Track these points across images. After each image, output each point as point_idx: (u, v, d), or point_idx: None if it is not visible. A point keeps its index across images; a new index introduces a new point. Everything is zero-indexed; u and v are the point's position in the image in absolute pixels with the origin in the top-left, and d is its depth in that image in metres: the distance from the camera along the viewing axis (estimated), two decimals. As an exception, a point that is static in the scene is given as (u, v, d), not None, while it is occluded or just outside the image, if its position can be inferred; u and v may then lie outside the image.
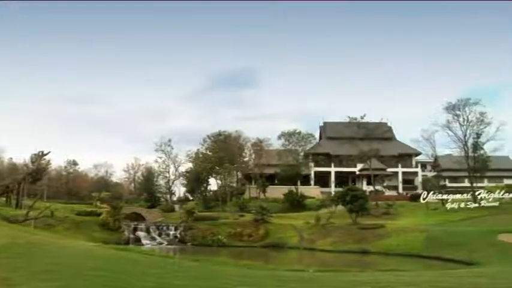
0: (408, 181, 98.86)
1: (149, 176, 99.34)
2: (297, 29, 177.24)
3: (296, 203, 76.73)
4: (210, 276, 15.47)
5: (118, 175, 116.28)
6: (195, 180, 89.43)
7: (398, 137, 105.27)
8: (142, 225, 59.52)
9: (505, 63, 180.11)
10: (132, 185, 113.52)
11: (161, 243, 55.15)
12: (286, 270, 23.02)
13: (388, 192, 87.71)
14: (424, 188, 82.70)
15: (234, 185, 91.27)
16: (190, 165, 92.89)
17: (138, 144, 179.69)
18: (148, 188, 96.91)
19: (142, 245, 52.26)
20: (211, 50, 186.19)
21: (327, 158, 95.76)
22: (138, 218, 65.36)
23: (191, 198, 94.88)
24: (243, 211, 67.85)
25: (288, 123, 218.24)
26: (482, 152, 76.46)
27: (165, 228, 59.55)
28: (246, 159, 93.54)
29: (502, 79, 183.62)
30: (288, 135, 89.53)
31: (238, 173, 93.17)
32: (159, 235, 58.04)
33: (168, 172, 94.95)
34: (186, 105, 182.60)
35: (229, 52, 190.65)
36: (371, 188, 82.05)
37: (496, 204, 63.63)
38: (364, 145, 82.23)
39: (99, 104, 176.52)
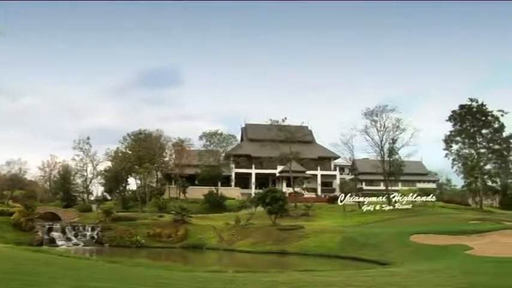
0: (327, 183, 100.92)
1: (66, 175, 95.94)
2: (220, 29, 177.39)
3: (216, 204, 76.59)
4: (128, 278, 15.16)
5: (33, 173, 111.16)
6: (114, 180, 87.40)
7: (318, 140, 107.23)
8: (57, 226, 57.34)
9: (421, 74, 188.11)
10: (48, 183, 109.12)
11: (77, 244, 53.45)
12: (206, 272, 22.90)
13: (307, 194, 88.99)
14: (341, 191, 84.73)
15: (154, 185, 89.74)
16: (109, 164, 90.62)
17: (55, 142, 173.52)
18: (64, 187, 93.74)
19: (57, 246, 50.53)
20: (134, 48, 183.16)
21: (248, 160, 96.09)
22: (54, 218, 63.17)
23: (109, 198, 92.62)
24: (163, 211, 67.02)
25: (210, 123, 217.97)
26: (397, 156, 79.57)
27: (81, 228, 57.65)
28: (167, 159, 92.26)
29: (417, 88, 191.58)
30: (209, 136, 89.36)
31: (159, 172, 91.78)
32: (75, 236, 56.17)
33: (86, 171, 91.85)
34: (107, 103, 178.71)
35: (152, 51, 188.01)
36: (290, 189, 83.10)
37: (409, 206, 66.44)
38: (284, 147, 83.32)
39: (13, 98, 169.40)
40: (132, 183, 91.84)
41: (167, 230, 55.79)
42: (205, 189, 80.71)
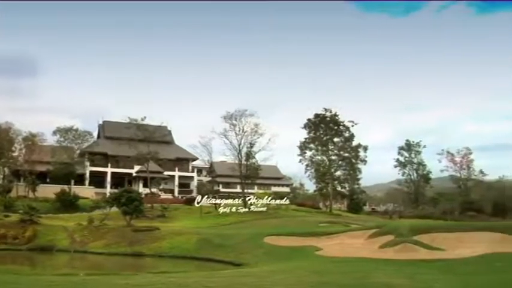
0: (184, 185, 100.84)
1: None
2: (84, 24, 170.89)
3: (69, 204, 73.23)
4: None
5: None
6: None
7: (177, 141, 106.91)
8: None
9: (282, 82, 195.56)
10: None
11: None
12: (55, 275, 21.89)
13: (164, 195, 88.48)
14: (199, 192, 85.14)
15: (0, 181, 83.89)
16: None
17: None
18: None
19: None
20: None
21: (104, 158, 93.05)
22: None
23: None
24: (9, 211, 62.65)
25: (66, 119, 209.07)
26: (254, 160, 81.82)
27: None
28: (16, 154, 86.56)
29: (279, 95, 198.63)
30: (64, 132, 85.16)
31: (6, 168, 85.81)
32: None
33: None
34: None
35: (2, 38, 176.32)
36: (147, 190, 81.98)
37: (264, 209, 68.59)
38: (143, 147, 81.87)
39: None
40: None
41: (13, 231, 51.99)
42: (58, 188, 76.90)
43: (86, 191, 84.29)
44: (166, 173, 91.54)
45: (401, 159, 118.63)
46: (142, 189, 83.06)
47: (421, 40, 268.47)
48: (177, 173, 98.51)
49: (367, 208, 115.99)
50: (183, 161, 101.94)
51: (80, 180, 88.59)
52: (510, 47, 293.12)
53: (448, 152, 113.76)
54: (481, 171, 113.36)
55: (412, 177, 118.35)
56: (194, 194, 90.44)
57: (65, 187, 78.37)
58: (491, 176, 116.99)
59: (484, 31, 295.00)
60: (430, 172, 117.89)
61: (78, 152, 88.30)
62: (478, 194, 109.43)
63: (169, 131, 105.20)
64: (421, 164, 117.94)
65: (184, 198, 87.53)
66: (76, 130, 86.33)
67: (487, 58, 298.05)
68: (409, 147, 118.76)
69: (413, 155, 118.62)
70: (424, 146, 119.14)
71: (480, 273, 20.50)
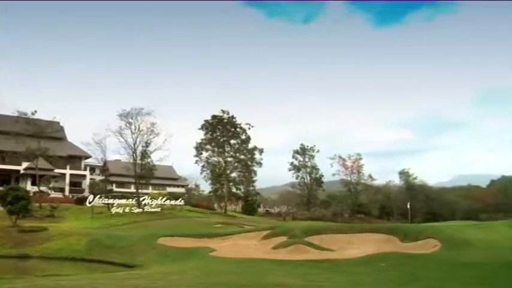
0: (76, 184, 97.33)
1: None
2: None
3: None
4: None
5: None
6: None
7: (70, 138, 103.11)
8: None
9: (177, 84, 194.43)
10: None
11: None
12: None
13: (54, 194, 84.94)
14: (91, 192, 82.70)
15: None
16: None
17: None
18: None
19: None
20: None
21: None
22: None
23: None
24: None
25: None
26: (149, 160, 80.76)
27: None
28: None
29: (178, 95, 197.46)
30: None
31: None
32: None
33: None
34: None
35: None
36: (36, 188, 78.40)
37: (158, 210, 68.01)
38: (32, 143, 78.14)
39: None
40: None
41: None
42: None
43: (-34, 189, 79.24)
44: (56, 170, 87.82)
45: (296, 162, 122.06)
46: (30, 188, 79.27)
47: (318, 48, 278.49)
48: (68, 171, 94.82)
49: (261, 210, 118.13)
50: (75, 158, 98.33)
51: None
52: (403, 60, 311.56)
53: (339, 157, 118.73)
54: (370, 176, 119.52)
55: (306, 180, 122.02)
56: (86, 193, 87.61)
57: None
58: (379, 180, 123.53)
59: (381, 43, 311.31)
60: (323, 176, 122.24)
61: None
62: (367, 198, 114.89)
63: (62, 127, 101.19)
64: (314, 167, 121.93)
65: (75, 197, 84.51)
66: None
67: (381, 69, 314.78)
68: (303, 151, 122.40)
69: (307, 159, 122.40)
70: (318, 151, 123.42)
71: (366, 272, 21.44)
